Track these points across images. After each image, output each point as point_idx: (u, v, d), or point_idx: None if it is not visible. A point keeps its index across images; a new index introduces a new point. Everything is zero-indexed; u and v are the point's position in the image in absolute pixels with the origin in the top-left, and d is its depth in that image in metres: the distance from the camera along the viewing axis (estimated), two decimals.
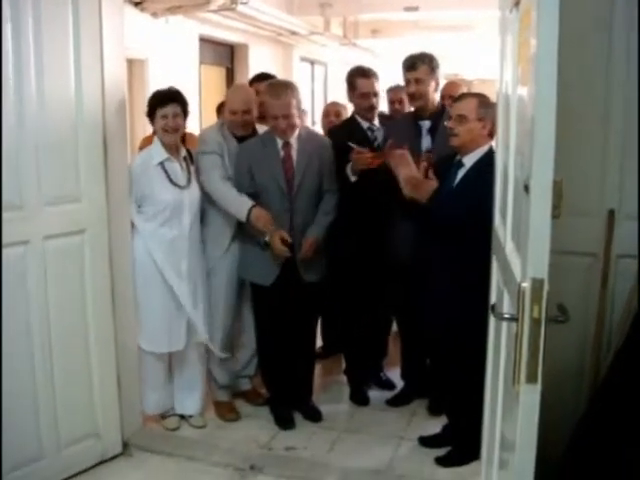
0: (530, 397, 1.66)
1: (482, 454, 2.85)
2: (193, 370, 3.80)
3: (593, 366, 2.82)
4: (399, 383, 4.23)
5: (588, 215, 2.80)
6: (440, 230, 3.22)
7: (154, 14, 7.26)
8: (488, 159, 3.01)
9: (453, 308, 3.16)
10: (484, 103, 3.18)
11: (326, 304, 4.04)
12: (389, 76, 5.50)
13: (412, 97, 3.75)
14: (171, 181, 3.54)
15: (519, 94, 1.99)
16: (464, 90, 4.94)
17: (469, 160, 3.21)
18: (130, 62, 7.32)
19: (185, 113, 3.59)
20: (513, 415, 1.81)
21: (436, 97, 3.80)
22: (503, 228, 2.28)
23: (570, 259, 2.84)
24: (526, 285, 1.63)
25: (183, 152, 3.67)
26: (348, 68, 3.89)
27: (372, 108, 4.03)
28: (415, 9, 9.10)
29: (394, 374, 4.31)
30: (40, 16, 2.90)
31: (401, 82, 4.04)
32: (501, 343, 2.19)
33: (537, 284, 1.62)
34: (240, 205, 3.57)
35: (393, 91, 5.06)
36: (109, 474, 3.35)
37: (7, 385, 2.92)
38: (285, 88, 3.60)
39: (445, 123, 3.29)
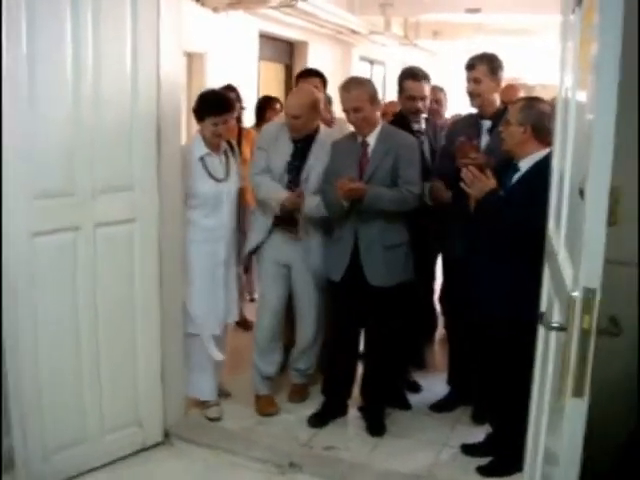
0: (576, 411, 1.61)
1: (525, 466, 2.78)
2: (204, 353, 3.77)
3: None
4: (444, 389, 4.15)
5: None
6: (490, 232, 3.18)
7: (215, 9, 7.32)
8: (543, 164, 2.92)
9: (503, 310, 3.10)
10: (527, 107, 3.15)
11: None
12: (449, 77, 5.46)
13: (470, 96, 3.73)
14: (210, 175, 3.64)
15: (578, 99, 1.93)
16: (521, 94, 4.90)
17: (525, 164, 3.15)
18: (190, 56, 7.40)
19: (239, 117, 3.75)
20: (558, 429, 1.75)
21: (496, 97, 3.73)
22: (557, 235, 2.22)
23: (626, 270, 2.75)
24: (577, 294, 1.58)
25: (224, 146, 3.76)
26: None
27: (418, 111, 4.02)
28: (477, 11, 9.00)
29: (440, 379, 4.23)
30: (99, 8, 2.94)
31: (440, 83, 4.01)
32: (549, 353, 2.13)
33: (589, 294, 1.56)
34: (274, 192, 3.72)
35: (431, 91, 5.09)
36: (149, 463, 3.38)
37: (55, 365, 3.00)
38: (356, 82, 3.64)
39: (499, 128, 3.28)
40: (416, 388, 4.27)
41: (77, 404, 3.13)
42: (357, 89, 3.55)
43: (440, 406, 4.02)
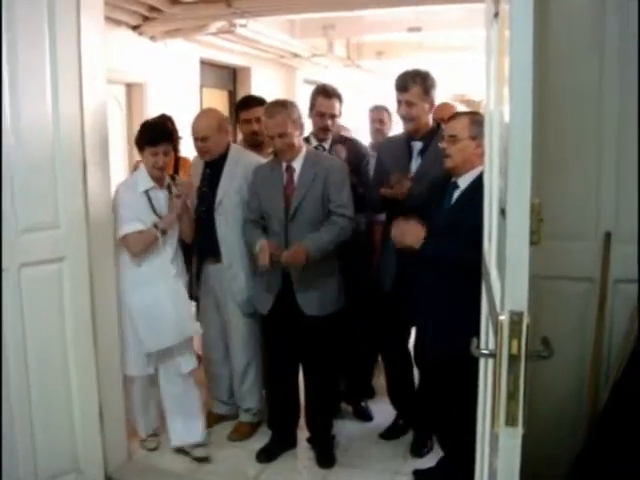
0: (509, 441, 1.52)
1: None
2: (186, 397, 3.65)
3: (591, 397, 2.67)
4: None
5: (583, 238, 2.67)
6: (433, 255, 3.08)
7: (152, 38, 7.20)
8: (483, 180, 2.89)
9: (448, 339, 2.99)
10: (477, 121, 3.03)
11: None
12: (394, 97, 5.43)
13: (403, 119, 3.60)
14: (154, 211, 3.51)
15: (499, 113, 1.87)
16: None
17: (464, 181, 3.08)
18: (129, 86, 7.28)
19: (175, 146, 3.58)
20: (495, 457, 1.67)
21: (430, 118, 3.62)
22: (489, 255, 2.16)
23: (565, 284, 2.72)
24: (504, 318, 1.50)
25: (167, 180, 3.62)
26: (353, 90, 3.74)
27: (325, 129, 3.96)
28: (418, 29, 9.01)
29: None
30: (15, 37, 2.82)
31: (383, 102, 3.93)
32: (488, 380, 2.05)
33: (515, 317, 1.48)
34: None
35: (374, 111, 5.13)
36: None
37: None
38: (280, 106, 3.48)
39: (439, 145, 3.16)
40: (367, 416, 4.19)
41: (7, 451, 2.94)
42: (280, 114, 3.42)
43: (388, 433, 3.92)
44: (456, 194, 3.11)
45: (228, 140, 3.82)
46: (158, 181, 3.55)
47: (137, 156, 3.78)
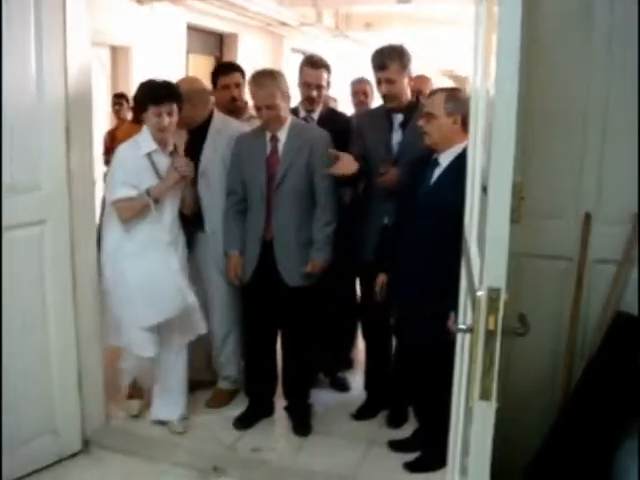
0: (484, 414, 1.56)
1: (448, 461, 2.75)
2: (175, 373, 3.62)
3: (565, 374, 2.72)
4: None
5: (563, 218, 2.70)
6: (415, 232, 3.10)
7: (139, 1, 7.13)
8: (465, 157, 2.87)
9: (427, 317, 3.01)
10: (453, 97, 3.04)
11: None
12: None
13: (384, 98, 3.56)
14: (157, 174, 3.38)
15: (485, 89, 1.88)
16: (432, 85, 4.83)
17: (445, 159, 3.08)
18: (114, 49, 7.23)
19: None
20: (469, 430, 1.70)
21: (408, 91, 3.58)
22: (470, 231, 2.18)
23: (545, 262, 2.75)
24: (482, 294, 1.52)
25: (171, 144, 3.46)
26: (341, 61, 3.66)
27: (311, 100, 3.91)
28: (407, 2, 8.97)
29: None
30: None
31: (367, 74, 3.90)
32: (464, 355, 2.08)
33: (493, 294, 1.51)
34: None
35: (357, 84, 5.14)
36: (66, 473, 3.22)
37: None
38: (269, 77, 3.41)
39: (417, 123, 3.14)
40: (345, 387, 4.22)
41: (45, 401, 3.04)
42: (270, 85, 3.36)
43: (361, 413, 3.86)
44: (437, 172, 3.10)
45: (211, 108, 3.77)
46: (162, 144, 3.39)
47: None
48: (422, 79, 4.89)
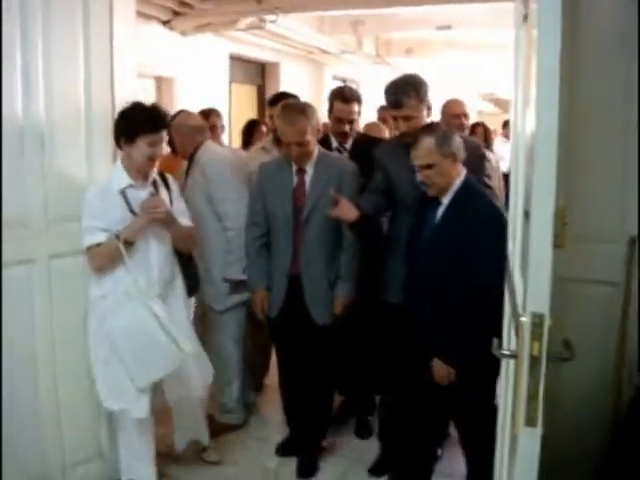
0: (529, 441, 1.54)
1: None
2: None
3: (614, 400, 2.67)
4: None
5: (608, 242, 2.66)
6: (427, 273, 2.95)
7: (183, 33, 7.28)
8: (466, 192, 2.91)
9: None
10: (441, 138, 2.87)
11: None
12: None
13: (403, 135, 3.27)
14: (132, 212, 3.01)
15: (526, 115, 1.88)
16: (465, 109, 4.52)
17: (446, 198, 2.94)
18: (159, 80, 7.35)
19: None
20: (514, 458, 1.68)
21: (426, 119, 3.30)
22: (513, 256, 2.16)
23: (589, 287, 2.71)
24: (526, 320, 1.51)
25: (153, 176, 3.13)
26: (382, 87, 3.48)
27: (344, 135, 3.86)
28: (447, 27, 9.00)
29: None
30: (51, 33, 2.87)
31: None
32: (509, 381, 2.06)
33: (537, 319, 1.49)
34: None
35: (381, 112, 5.27)
36: None
37: (11, 405, 2.86)
38: (300, 113, 3.31)
39: (417, 179, 2.97)
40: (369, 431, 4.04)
41: (35, 440, 3.01)
42: (301, 121, 3.27)
43: (377, 469, 3.64)
44: (440, 210, 2.96)
45: (199, 140, 3.79)
46: (143, 177, 3.08)
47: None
48: (456, 103, 4.63)
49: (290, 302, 3.43)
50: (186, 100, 7.08)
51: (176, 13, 6.95)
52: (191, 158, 3.77)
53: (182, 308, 3.28)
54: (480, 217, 2.84)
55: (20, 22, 2.75)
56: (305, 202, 3.37)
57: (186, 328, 3.23)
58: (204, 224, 3.66)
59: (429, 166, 2.87)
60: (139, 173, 3.06)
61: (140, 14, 3.46)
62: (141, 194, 3.04)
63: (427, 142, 2.86)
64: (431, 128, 3.04)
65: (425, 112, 3.25)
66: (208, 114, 4.84)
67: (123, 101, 3.17)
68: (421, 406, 3.02)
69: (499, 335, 2.45)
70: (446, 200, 2.94)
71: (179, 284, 3.29)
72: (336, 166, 3.42)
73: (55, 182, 2.97)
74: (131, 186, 3.04)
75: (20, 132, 2.81)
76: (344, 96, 3.84)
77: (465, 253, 2.76)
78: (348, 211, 3.14)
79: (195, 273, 3.44)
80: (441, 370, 2.85)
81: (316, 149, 3.42)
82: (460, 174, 2.93)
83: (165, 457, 3.53)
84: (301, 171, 3.40)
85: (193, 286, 3.41)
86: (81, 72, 3.04)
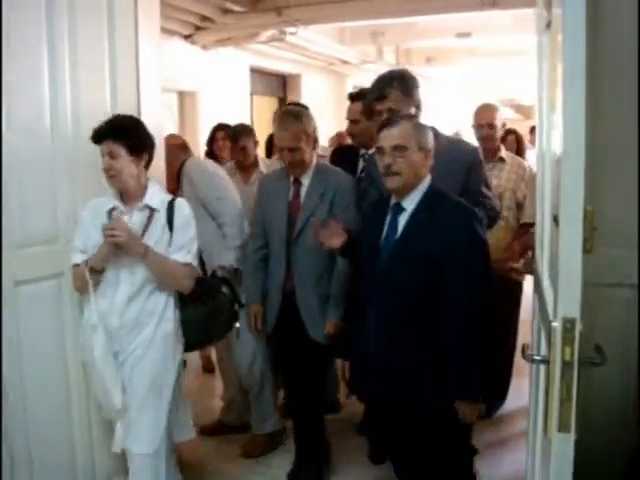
0: (563, 447, 1.53)
1: None
2: None
3: (638, 404, 2.64)
4: None
5: (636, 245, 2.64)
6: (393, 309, 2.58)
7: (204, 47, 7.35)
8: (435, 198, 2.56)
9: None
10: (420, 127, 2.58)
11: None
12: (445, 102, 5.42)
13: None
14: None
15: (552, 119, 1.88)
16: (492, 115, 4.18)
17: (410, 203, 2.58)
18: (181, 94, 7.43)
19: (136, 149, 2.73)
20: (547, 464, 1.67)
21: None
22: (541, 262, 2.16)
23: (618, 291, 2.68)
24: (557, 325, 1.51)
25: (145, 200, 2.78)
26: None
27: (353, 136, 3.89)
28: (468, 35, 9.01)
29: None
30: (77, 50, 2.91)
31: (435, 108, 3.76)
32: (539, 387, 2.05)
33: (568, 324, 1.49)
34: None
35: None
36: None
37: (44, 415, 2.89)
38: (294, 119, 3.22)
39: (378, 161, 2.62)
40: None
41: (67, 455, 3.03)
42: (294, 126, 3.17)
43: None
44: (403, 219, 2.60)
45: (183, 157, 3.84)
46: (128, 198, 2.79)
47: None
48: (489, 108, 4.31)
49: (286, 317, 3.36)
50: (208, 113, 7.16)
51: (198, 28, 7.03)
52: (179, 174, 3.82)
53: (149, 365, 2.77)
54: (456, 227, 2.47)
55: (47, 39, 2.79)
56: (298, 217, 3.27)
57: (138, 385, 2.76)
58: (204, 227, 3.60)
59: (401, 148, 2.50)
60: (128, 194, 2.79)
61: (162, 29, 3.48)
62: (124, 218, 2.75)
63: (405, 124, 2.55)
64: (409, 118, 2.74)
65: (413, 109, 3.05)
66: (237, 137, 4.51)
67: (149, 117, 3.21)
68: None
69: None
70: (411, 205, 2.58)
71: (158, 334, 2.79)
72: (333, 181, 3.28)
73: (83, 197, 2.98)
74: (117, 208, 2.77)
75: (49, 149, 2.85)
76: (351, 95, 3.92)
77: (440, 276, 2.43)
78: (333, 237, 2.87)
79: (202, 320, 2.96)
80: (468, 411, 2.52)
81: (313, 160, 3.31)
82: (427, 177, 2.59)
83: None
84: (297, 182, 3.31)
85: (197, 341, 3.03)
86: (107, 88, 3.09)
